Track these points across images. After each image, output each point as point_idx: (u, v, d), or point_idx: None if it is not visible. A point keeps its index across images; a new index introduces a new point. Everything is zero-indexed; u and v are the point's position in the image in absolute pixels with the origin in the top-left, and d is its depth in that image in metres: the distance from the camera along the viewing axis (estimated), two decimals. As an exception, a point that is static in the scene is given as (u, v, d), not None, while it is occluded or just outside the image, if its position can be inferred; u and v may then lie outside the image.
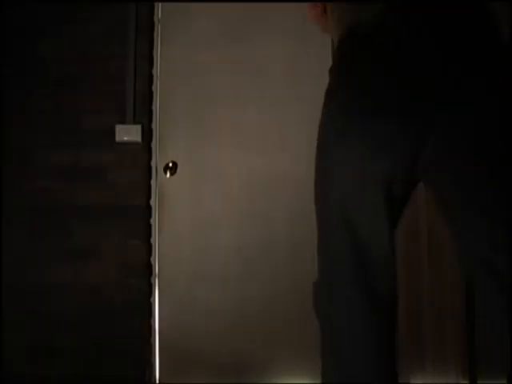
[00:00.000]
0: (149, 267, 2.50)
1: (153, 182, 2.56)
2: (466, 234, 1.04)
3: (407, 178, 1.09)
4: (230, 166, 2.51)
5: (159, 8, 2.66)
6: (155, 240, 2.55)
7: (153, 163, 2.57)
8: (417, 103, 1.01)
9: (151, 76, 2.60)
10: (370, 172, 1.06)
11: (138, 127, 2.49)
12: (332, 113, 1.17)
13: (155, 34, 2.63)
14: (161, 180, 2.57)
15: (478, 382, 1.53)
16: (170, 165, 2.54)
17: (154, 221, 2.55)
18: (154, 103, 2.61)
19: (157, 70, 2.62)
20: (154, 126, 2.60)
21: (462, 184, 1.02)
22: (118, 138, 2.48)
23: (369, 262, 1.08)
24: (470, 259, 1.03)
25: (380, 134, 1.04)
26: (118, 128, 2.48)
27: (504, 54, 1.06)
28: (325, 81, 1.21)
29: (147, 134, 2.54)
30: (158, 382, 2.49)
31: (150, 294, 2.50)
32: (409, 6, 1.05)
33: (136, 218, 2.47)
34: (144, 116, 2.53)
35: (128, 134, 2.48)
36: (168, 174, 2.54)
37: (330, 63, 1.26)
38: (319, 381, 1.80)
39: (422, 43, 1.02)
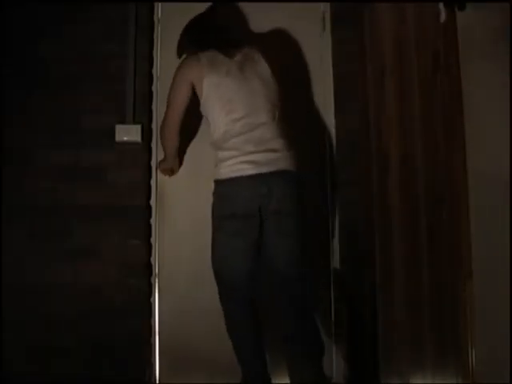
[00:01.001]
0: (149, 267, 2.50)
1: (153, 182, 2.56)
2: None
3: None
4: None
5: (159, 8, 2.66)
6: (155, 240, 2.55)
7: (153, 163, 2.57)
8: None
9: (151, 76, 2.60)
10: None
11: (138, 127, 2.49)
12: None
13: (155, 34, 2.64)
14: (161, 180, 2.57)
15: (478, 382, 1.52)
16: (170, 165, 2.53)
17: (154, 221, 2.55)
18: (154, 103, 2.61)
19: (157, 70, 2.62)
20: (154, 126, 2.60)
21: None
22: (117, 138, 2.48)
23: None
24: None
25: None
26: (118, 128, 2.48)
27: None
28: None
29: (147, 133, 2.54)
30: (158, 382, 2.49)
31: (150, 293, 2.50)
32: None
33: (136, 217, 2.47)
34: (144, 116, 2.53)
35: (128, 134, 2.48)
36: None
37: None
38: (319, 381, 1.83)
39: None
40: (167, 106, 2.25)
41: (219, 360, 2.40)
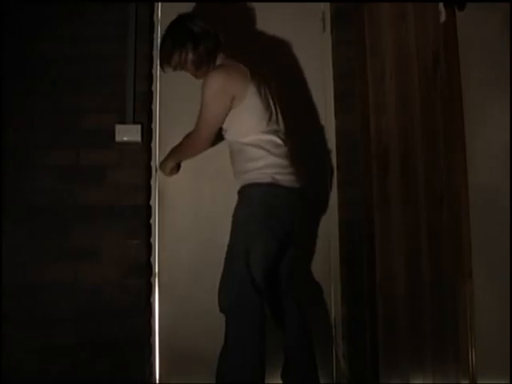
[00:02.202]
0: (149, 267, 2.50)
1: (153, 182, 2.56)
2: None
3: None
4: (230, 165, 2.50)
5: (159, 8, 2.66)
6: (155, 240, 2.55)
7: (153, 163, 2.57)
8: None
9: (151, 76, 2.60)
10: None
11: (138, 127, 2.49)
12: None
13: (155, 34, 2.64)
14: (161, 180, 2.57)
15: (478, 382, 1.52)
16: (170, 165, 2.53)
17: (154, 221, 2.55)
18: (153, 103, 2.61)
19: (157, 70, 2.62)
20: (153, 126, 2.60)
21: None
22: (117, 138, 2.47)
23: None
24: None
25: None
26: (118, 128, 2.48)
27: None
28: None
29: (147, 133, 2.54)
30: (157, 382, 2.49)
31: (150, 293, 2.50)
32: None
33: (136, 217, 2.47)
34: (144, 116, 2.53)
35: (128, 133, 2.48)
36: (168, 174, 2.53)
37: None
38: (320, 380, 1.84)
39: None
40: (203, 118, 2.15)
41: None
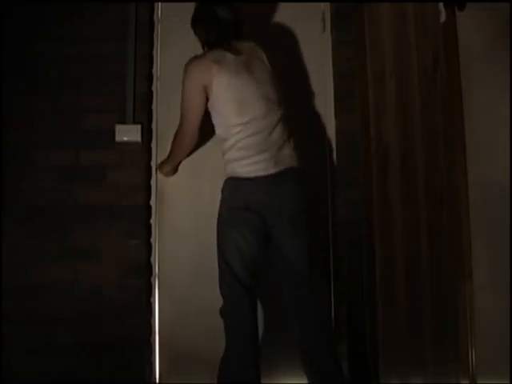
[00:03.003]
0: (149, 267, 2.50)
1: (153, 181, 2.56)
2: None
3: None
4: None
5: (159, 8, 2.66)
6: (155, 240, 2.55)
7: (153, 163, 2.57)
8: None
9: (151, 76, 2.60)
10: None
11: (138, 127, 2.49)
12: None
13: (155, 34, 2.64)
14: (161, 180, 2.57)
15: (478, 382, 1.52)
16: (170, 165, 2.53)
17: (154, 221, 2.55)
18: (154, 103, 2.61)
19: (157, 70, 2.62)
20: (153, 125, 2.60)
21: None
22: (117, 138, 2.48)
23: None
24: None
25: None
26: (118, 128, 2.48)
27: None
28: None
29: (147, 133, 2.54)
30: (157, 382, 2.49)
31: (150, 293, 2.50)
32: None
33: (136, 217, 2.47)
34: (144, 116, 2.53)
35: (128, 133, 2.48)
36: (168, 174, 2.53)
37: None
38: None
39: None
40: (182, 114, 2.18)
41: (219, 360, 2.40)
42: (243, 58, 2.16)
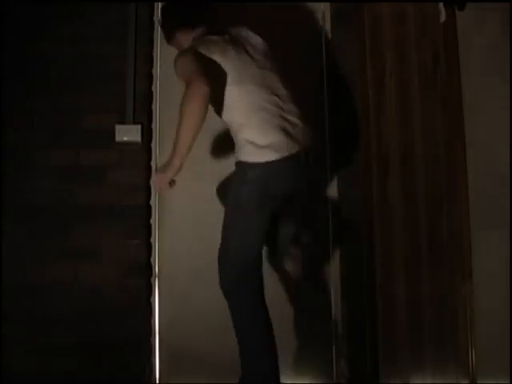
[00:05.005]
0: (149, 267, 2.50)
1: (153, 182, 2.56)
2: None
3: None
4: (230, 165, 2.50)
5: (159, 8, 2.65)
6: (155, 240, 2.55)
7: (153, 163, 2.57)
8: None
9: (151, 76, 2.60)
10: None
11: (138, 127, 2.49)
12: None
13: (155, 34, 2.64)
14: (161, 180, 2.56)
15: (478, 382, 1.52)
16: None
17: (154, 221, 2.55)
18: (154, 103, 2.61)
19: (157, 70, 2.62)
20: (153, 126, 2.60)
21: None
22: (117, 138, 2.47)
23: None
24: None
25: None
26: (118, 128, 2.48)
27: None
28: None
29: (147, 133, 2.54)
30: (157, 382, 2.49)
31: (150, 294, 2.50)
32: None
33: (136, 217, 2.47)
34: (144, 116, 2.53)
35: (128, 134, 2.48)
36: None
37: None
38: (319, 381, 1.85)
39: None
40: (186, 79, 1.89)
41: (219, 360, 2.40)
42: (229, 37, 2.10)
